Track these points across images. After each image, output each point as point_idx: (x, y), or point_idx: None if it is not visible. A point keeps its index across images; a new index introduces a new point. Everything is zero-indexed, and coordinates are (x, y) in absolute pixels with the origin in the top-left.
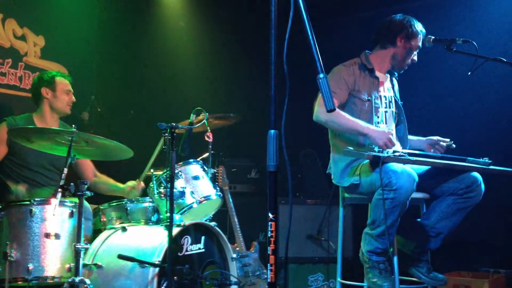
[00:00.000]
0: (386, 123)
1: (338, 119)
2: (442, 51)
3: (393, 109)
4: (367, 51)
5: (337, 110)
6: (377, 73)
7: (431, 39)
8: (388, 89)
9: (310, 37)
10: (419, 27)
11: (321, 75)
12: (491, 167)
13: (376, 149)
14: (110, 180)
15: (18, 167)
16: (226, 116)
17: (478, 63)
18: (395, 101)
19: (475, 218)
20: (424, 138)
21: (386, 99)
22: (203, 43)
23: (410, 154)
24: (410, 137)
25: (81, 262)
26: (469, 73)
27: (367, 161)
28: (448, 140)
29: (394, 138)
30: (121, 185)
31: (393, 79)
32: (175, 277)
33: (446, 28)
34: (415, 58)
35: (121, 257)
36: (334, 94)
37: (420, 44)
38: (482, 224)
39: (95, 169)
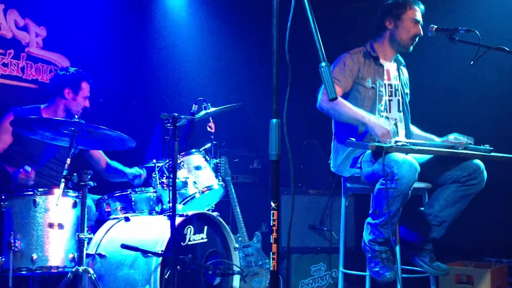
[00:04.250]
0: (390, 112)
1: (340, 108)
2: (445, 41)
3: (399, 98)
4: (372, 40)
5: (340, 99)
6: (382, 61)
7: (434, 29)
8: (394, 78)
9: (312, 25)
10: (410, 2)
11: (323, 64)
12: (492, 154)
13: (376, 139)
14: (119, 165)
15: (24, 159)
16: (228, 106)
17: (480, 52)
18: (402, 91)
19: (477, 206)
20: (438, 139)
21: (391, 88)
22: (205, 33)
23: (412, 143)
24: (419, 132)
25: (84, 251)
26: (472, 62)
27: (369, 151)
28: (465, 139)
29: (396, 128)
30: (128, 170)
31: (401, 67)
32: (178, 267)
33: (448, 17)
34: (419, 31)
35: (124, 246)
36: (338, 82)
37: (415, 16)
38: (485, 213)
39: (107, 158)
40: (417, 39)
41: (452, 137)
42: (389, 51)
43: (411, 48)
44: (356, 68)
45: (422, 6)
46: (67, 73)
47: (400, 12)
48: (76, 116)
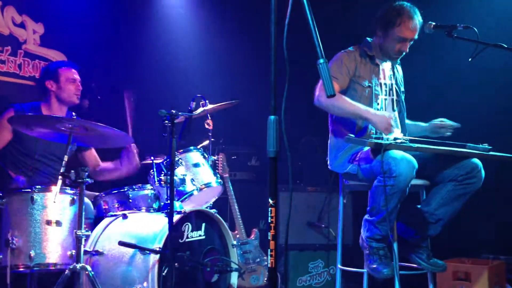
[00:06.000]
0: (385, 110)
1: (339, 103)
2: (443, 37)
3: (394, 97)
4: (368, 38)
5: (338, 94)
6: (378, 60)
7: (432, 25)
8: (389, 77)
9: (310, 22)
10: (403, 17)
11: (321, 60)
12: (491, 153)
13: (374, 132)
14: (111, 164)
15: (22, 156)
16: (226, 103)
17: (479, 49)
18: (396, 89)
19: (475, 204)
20: (425, 124)
21: (386, 87)
22: (203, 30)
23: (411, 141)
24: (408, 121)
25: (82, 249)
26: (470, 59)
27: (366, 148)
28: (451, 123)
29: (394, 122)
30: (119, 165)
31: (396, 66)
32: (176, 264)
33: (446, 14)
34: (404, 48)
35: (122, 243)
36: (335, 80)
37: (402, 34)
38: (483, 210)
39: (99, 159)
40: (403, 54)
41: (438, 122)
42: (379, 53)
43: (398, 60)
44: (353, 66)
45: (419, 19)
46: (44, 68)
47: (388, 26)
48: (73, 114)
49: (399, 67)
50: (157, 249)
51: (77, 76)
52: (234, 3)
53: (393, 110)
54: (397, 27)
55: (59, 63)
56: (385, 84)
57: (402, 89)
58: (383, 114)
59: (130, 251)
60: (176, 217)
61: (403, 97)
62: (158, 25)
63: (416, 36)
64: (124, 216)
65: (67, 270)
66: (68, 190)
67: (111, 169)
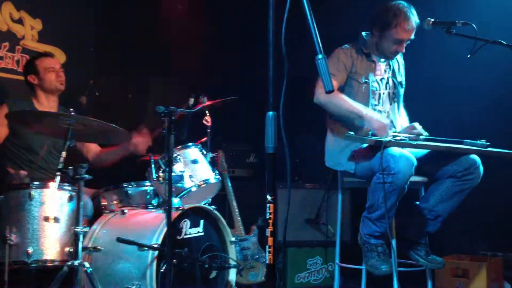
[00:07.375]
0: (383, 105)
1: (338, 102)
2: (442, 34)
3: (390, 90)
4: (363, 34)
5: (337, 92)
6: (374, 57)
7: (430, 22)
8: (385, 71)
9: (309, 17)
10: (399, 19)
11: (320, 56)
12: (489, 149)
13: (371, 132)
14: (112, 148)
15: (21, 150)
16: (225, 99)
17: (477, 46)
18: (393, 82)
19: (473, 200)
20: (405, 125)
21: (383, 82)
22: (201, 26)
23: (410, 138)
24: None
25: (80, 245)
26: (468, 56)
27: (364, 145)
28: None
29: (391, 125)
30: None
31: (395, 58)
32: (174, 260)
33: (445, 10)
34: (400, 49)
35: (120, 240)
36: (333, 76)
37: (399, 36)
38: (480, 207)
39: (98, 146)
40: (399, 54)
41: (411, 124)
42: (375, 51)
43: (393, 59)
44: (350, 62)
45: (415, 20)
46: (24, 64)
47: (385, 27)
48: (71, 110)
49: (398, 56)
50: (155, 245)
51: (55, 64)
52: None
53: (390, 104)
54: (393, 29)
55: (32, 58)
56: (382, 79)
57: (399, 79)
58: (378, 118)
59: (128, 247)
60: (174, 214)
61: (400, 88)
62: (157, 22)
63: (412, 37)
64: (122, 213)
65: (65, 267)
66: (66, 187)
67: (113, 153)
